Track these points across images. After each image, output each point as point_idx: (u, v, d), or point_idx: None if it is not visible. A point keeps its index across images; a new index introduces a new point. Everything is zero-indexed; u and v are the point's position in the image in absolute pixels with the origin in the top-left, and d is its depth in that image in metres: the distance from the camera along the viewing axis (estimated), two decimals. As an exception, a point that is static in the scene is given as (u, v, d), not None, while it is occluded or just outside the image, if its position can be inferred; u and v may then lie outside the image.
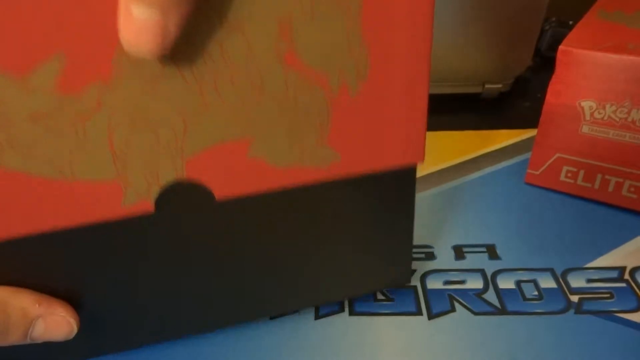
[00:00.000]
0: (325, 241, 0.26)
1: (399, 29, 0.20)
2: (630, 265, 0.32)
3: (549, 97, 0.36)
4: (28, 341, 0.22)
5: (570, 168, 0.38)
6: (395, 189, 0.25)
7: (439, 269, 0.33)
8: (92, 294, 0.24)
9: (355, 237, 0.26)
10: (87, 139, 0.19)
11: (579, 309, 0.30)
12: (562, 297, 0.30)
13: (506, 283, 0.32)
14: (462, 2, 0.45)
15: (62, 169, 0.20)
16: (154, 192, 0.21)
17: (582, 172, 0.37)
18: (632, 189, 0.36)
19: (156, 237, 0.23)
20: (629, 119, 0.34)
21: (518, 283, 0.32)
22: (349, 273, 0.28)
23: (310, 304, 0.29)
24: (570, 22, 0.61)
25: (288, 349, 0.28)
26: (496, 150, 0.46)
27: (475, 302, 0.30)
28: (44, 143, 0.19)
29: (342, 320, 0.29)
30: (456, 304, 0.30)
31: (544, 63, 0.60)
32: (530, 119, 0.48)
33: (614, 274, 0.32)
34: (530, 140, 0.46)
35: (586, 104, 0.35)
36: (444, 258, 0.34)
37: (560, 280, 0.32)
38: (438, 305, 0.30)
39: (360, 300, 0.31)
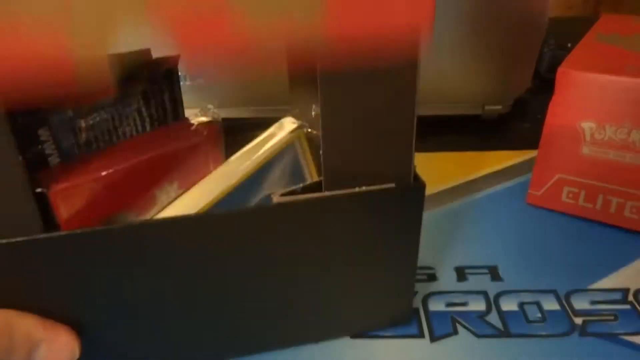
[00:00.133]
0: (328, 271, 0.26)
1: None
2: (634, 287, 0.32)
3: (549, 119, 0.37)
4: None
5: (572, 189, 0.38)
6: (400, 221, 0.25)
7: (441, 291, 0.33)
8: (95, 320, 0.24)
9: (358, 270, 0.26)
10: None
11: (583, 331, 0.29)
12: (565, 319, 0.30)
13: (509, 305, 0.31)
14: (462, 25, 0.46)
15: None
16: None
17: (583, 193, 0.37)
18: (634, 210, 0.36)
19: (155, 266, 0.23)
20: (629, 140, 0.34)
21: (521, 305, 0.31)
22: (349, 310, 0.28)
23: (309, 340, 0.29)
24: (569, 45, 0.61)
25: (289, 373, 0.28)
26: (497, 171, 0.46)
27: (478, 325, 0.30)
28: None
29: (344, 343, 0.29)
30: (459, 327, 0.30)
31: (544, 85, 0.60)
32: (530, 140, 0.48)
33: (618, 296, 0.32)
34: (531, 161, 0.46)
35: (586, 125, 0.35)
36: (446, 280, 0.33)
37: (564, 301, 0.31)
38: (440, 328, 0.30)
39: (362, 322, 0.30)
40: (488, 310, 0.31)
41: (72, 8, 0.18)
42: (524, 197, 0.41)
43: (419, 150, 0.24)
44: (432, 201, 0.41)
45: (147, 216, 0.28)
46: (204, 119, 0.31)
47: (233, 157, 0.30)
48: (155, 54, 0.30)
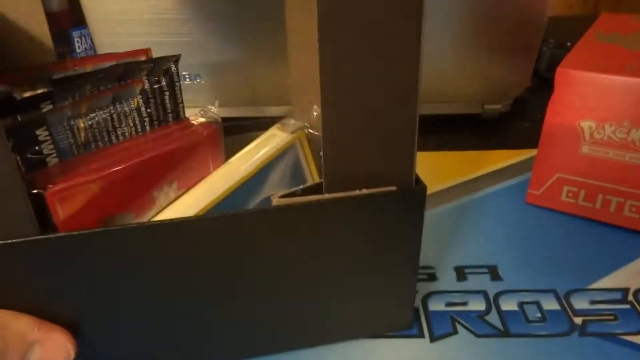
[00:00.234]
0: (327, 275, 0.25)
1: None
2: (634, 287, 0.32)
3: (548, 118, 0.37)
4: None
5: (571, 188, 0.38)
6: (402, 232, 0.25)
7: (441, 291, 0.32)
8: (91, 321, 0.24)
9: (358, 274, 0.26)
10: None
11: (583, 331, 0.29)
12: (565, 319, 0.30)
13: (509, 305, 0.31)
14: (462, 24, 0.46)
15: None
16: None
17: (582, 192, 0.37)
18: (634, 209, 0.36)
19: (151, 269, 0.23)
20: (629, 139, 0.34)
21: (521, 305, 0.31)
22: (349, 315, 0.27)
23: (307, 345, 0.28)
24: (568, 44, 0.61)
25: (288, 373, 0.28)
26: (497, 171, 0.46)
27: (478, 324, 0.30)
28: None
29: (344, 342, 0.29)
30: (458, 326, 0.30)
31: (543, 84, 0.60)
32: (530, 140, 0.47)
33: (618, 295, 0.32)
34: (530, 160, 0.46)
35: (585, 124, 0.35)
36: (446, 279, 0.33)
37: (564, 301, 0.31)
38: (440, 328, 0.30)
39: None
40: (488, 310, 0.31)
41: None
42: (523, 196, 0.41)
43: (418, 149, 0.24)
44: (432, 200, 0.41)
45: (146, 217, 0.28)
46: (203, 119, 0.31)
47: (233, 158, 0.30)
48: (155, 54, 0.30)
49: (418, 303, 0.32)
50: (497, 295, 0.32)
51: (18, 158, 0.23)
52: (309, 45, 0.21)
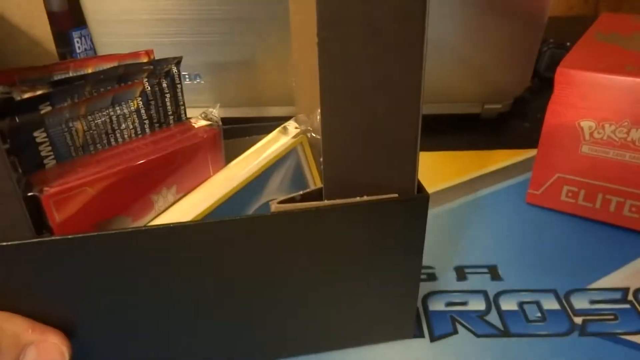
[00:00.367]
0: (326, 282, 0.25)
1: None
2: (633, 286, 0.32)
3: (548, 118, 0.37)
4: None
5: (571, 188, 0.38)
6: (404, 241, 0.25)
7: (441, 290, 0.32)
8: (85, 324, 0.24)
9: (358, 282, 0.26)
10: None
11: (583, 331, 0.29)
12: (565, 319, 0.30)
13: (509, 304, 0.31)
14: (461, 24, 0.45)
15: None
16: None
17: (582, 192, 0.37)
18: (634, 209, 0.36)
19: (147, 273, 0.23)
20: (629, 139, 0.34)
21: (521, 304, 0.31)
22: (349, 323, 0.27)
23: (307, 352, 0.28)
24: (568, 44, 0.61)
25: (288, 373, 0.28)
26: (496, 170, 0.46)
27: (478, 324, 0.30)
28: None
29: (343, 344, 0.29)
30: (458, 326, 0.30)
31: (543, 84, 0.60)
32: (530, 139, 0.48)
33: (618, 295, 0.32)
34: (530, 160, 0.46)
35: (585, 124, 0.35)
36: (446, 279, 0.33)
37: (564, 301, 0.31)
38: (440, 327, 0.30)
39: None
40: (488, 309, 0.31)
41: None
42: (523, 196, 0.41)
43: (418, 149, 0.24)
44: (432, 200, 0.41)
45: (144, 221, 0.27)
46: (203, 122, 0.31)
47: (233, 162, 0.30)
48: (155, 54, 0.30)
49: (418, 303, 0.32)
50: (497, 295, 0.32)
51: (15, 160, 0.23)
52: (313, 49, 0.20)
